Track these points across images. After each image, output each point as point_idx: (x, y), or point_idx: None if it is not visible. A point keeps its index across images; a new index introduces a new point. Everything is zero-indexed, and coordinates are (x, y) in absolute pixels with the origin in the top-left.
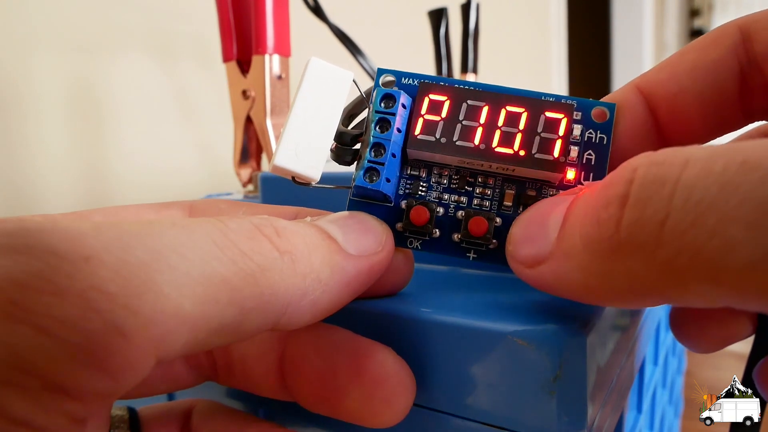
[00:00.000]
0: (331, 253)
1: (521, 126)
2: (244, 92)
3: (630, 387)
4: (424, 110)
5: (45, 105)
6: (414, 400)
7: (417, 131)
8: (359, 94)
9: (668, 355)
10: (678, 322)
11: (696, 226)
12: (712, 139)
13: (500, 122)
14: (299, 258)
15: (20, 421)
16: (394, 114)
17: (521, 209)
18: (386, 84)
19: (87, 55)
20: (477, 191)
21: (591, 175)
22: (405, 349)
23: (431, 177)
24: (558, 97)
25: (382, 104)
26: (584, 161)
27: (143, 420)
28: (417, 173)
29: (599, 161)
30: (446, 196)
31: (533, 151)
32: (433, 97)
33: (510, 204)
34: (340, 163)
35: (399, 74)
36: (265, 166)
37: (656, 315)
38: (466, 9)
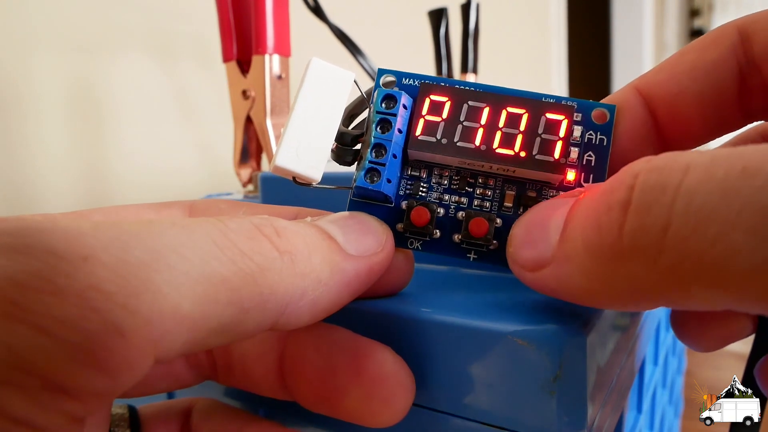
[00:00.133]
0: (331, 253)
1: (522, 127)
2: (244, 92)
3: (630, 387)
4: (425, 111)
5: (45, 105)
6: (413, 399)
7: (418, 132)
8: (360, 94)
9: (668, 355)
10: (678, 320)
11: (698, 233)
12: (712, 139)
13: (501, 123)
14: (299, 258)
15: (20, 421)
16: (395, 115)
17: (522, 210)
18: (387, 84)
19: (87, 55)
20: (477, 192)
21: (591, 176)
22: (405, 349)
23: (432, 178)
24: (559, 99)
25: (383, 105)
26: (584, 162)
27: (143, 418)
28: (418, 174)
29: (599, 162)
30: (447, 197)
31: (534, 153)
32: (434, 97)
33: (510, 205)
34: (340, 164)
35: (399, 75)
36: (265, 166)
37: (656, 315)
38: (466, 9)
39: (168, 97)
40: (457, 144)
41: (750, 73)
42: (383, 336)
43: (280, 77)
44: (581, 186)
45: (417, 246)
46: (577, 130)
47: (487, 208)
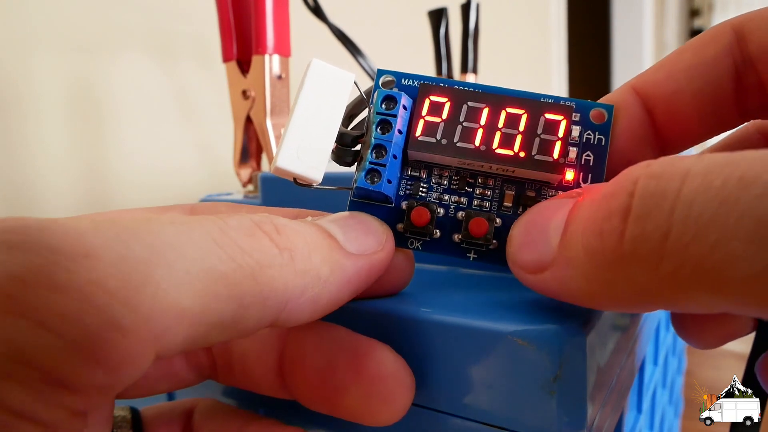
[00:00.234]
0: (331, 252)
1: (521, 127)
2: (244, 92)
3: (630, 387)
4: (424, 112)
5: (45, 105)
6: (413, 398)
7: (418, 132)
8: (359, 94)
9: (668, 355)
10: (679, 319)
11: (697, 240)
12: (709, 138)
13: (500, 124)
14: (298, 255)
15: (21, 414)
16: (395, 115)
17: (521, 210)
18: (386, 85)
19: (87, 55)
20: (477, 192)
21: (589, 176)
22: (405, 349)
23: (431, 178)
24: (557, 99)
25: (383, 105)
26: (583, 162)
27: (145, 420)
28: (417, 174)
29: (597, 162)
30: (446, 197)
31: (533, 153)
32: (433, 98)
33: (510, 205)
34: (340, 164)
35: (399, 75)
36: (265, 167)
37: (656, 315)
38: (466, 9)
39: (168, 97)
40: (457, 144)
41: (746, 71)
42: (383, 336)
43: (280, 77)
44: (580, 186)
45: (417, 246)
46: (576, 130)
47: (487, 208)
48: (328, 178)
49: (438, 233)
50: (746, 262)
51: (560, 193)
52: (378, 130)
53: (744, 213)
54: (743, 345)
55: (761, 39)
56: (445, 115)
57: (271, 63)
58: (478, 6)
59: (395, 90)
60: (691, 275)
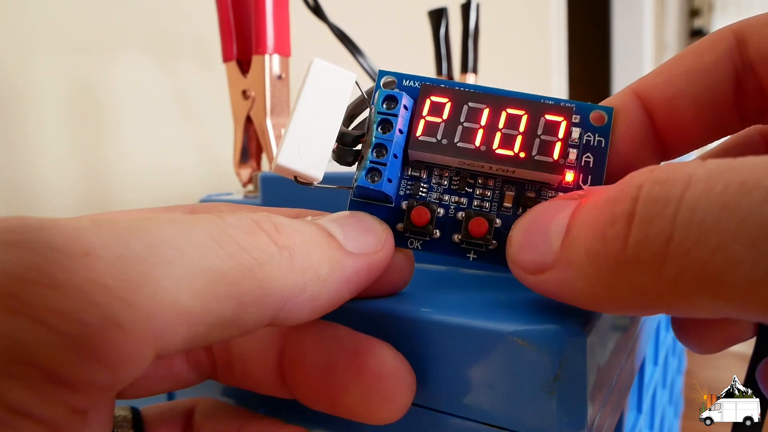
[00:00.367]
0: (331, 250)
1: (521, 128)
2: (244, 92)
3: (630, 387)
4: (425, 112)
5: (45, 105)
6: (414, 396)
7: (418, 132)
8: (360, 94)
9: (668, 355)
10: (679, 323)
11: (700, 245)
12: (709, 142)
13: (501, 124)
14: (298, 253)
15: (21, 412)
16: (396, 115)
17: (521, 210)
18: (387, 86)
19: (87, 55)
20: (477, 192)
21: (589, 177)
22: (405, 349)
23: (432, 178)
24: (557, 101)
25: (384, 105)
26: (583, 163)
27: (146, 420)
28: (418, 174)
29: (597, 164)
30: (446, 197)
31: (533, 153)
32: (434, 99)
33: (510, 205)
34: (341, 164)
35: (400, 76)
36: (265, 166)
37: (656, 316)
38: (466, 9)
39: (168, 97)
40: (457, 144)
41: (746, 76)
42: (383, 336)
43: (280, 77)
44: (580, 187)
45: (417, 246)
46: (576, 132)
47: (487, 209)
48: (328, 178)
49: (438, 233)
50: (747, 267)
51: (560, 194)
52: (379, 129)
53: (745, 218)
54: (744, 345)
55: (761, 44)
56: (445, 116)
57: (271, 63)
58: (478, 6)
59: (396, 90)
60: (692, 280)
